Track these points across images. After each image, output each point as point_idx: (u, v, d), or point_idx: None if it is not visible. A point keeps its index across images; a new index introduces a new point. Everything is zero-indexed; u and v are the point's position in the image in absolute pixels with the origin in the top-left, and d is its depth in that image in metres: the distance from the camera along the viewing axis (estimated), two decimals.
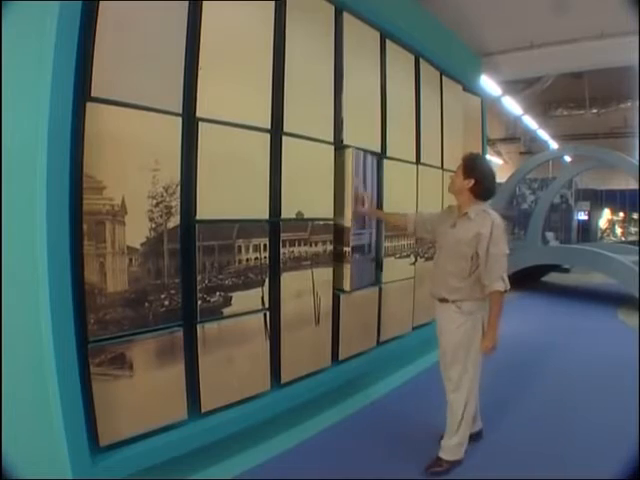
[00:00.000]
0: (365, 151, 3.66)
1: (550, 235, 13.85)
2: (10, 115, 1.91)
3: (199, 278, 2.53)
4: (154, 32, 2.27)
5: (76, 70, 1.95)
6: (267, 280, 2.89)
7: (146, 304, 2.31)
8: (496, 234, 2.79)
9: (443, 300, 2.96)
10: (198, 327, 2.54)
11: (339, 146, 3.41)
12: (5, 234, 1.92)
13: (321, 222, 3.29)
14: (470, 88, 5.69)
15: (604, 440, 3.30)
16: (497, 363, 4.88)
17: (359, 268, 3.62)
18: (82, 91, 2.01)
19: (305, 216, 3.14)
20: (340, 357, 3.52)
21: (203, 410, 2.59)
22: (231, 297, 2.69)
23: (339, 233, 3.46)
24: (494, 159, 16.73)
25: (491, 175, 2.93)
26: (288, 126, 2.99)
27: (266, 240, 2.87)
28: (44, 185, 1.87)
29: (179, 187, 2.40)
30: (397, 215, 3.62)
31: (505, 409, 3.88)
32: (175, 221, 2.40)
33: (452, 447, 2.93)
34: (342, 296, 3.48)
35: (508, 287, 2.81)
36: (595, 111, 12.58)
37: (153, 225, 2.31)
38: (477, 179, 2.85)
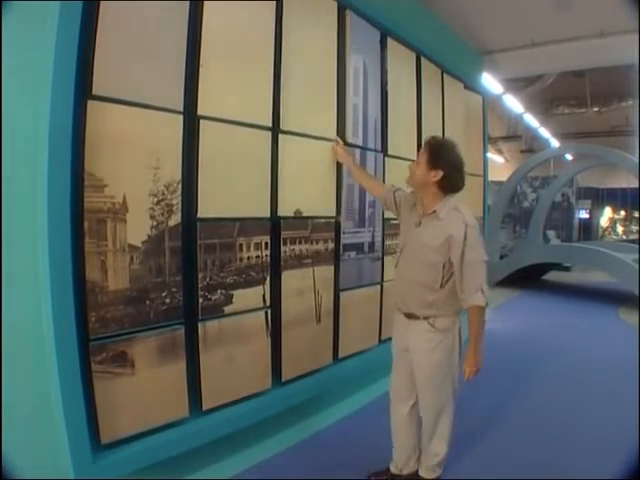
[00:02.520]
0: (366, 149, 3.66)
1: (551, 233, 13.83)
2: (11, 113, 1.90)
3: (200, 276, 2.53)
4: (155, 30, 2.27)
5: (77, 68, 1.95)
6: (268, 278, 2.89)
7: (147, 302, 2.31)
8: (471, 237, 2.35)
9: (412, 316, 2.52)
10: (199, 325, 2.54)
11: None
12: (6, 232, 1.91)
13: (322, 220, 3.29)
14: (471, 86, 5.69)
15: (604, 440, 3.30)
16: (498, 362, 4.90)
17: (355, 267, 3.63)
18: (83, 89, 2.00)
19: (304, 214, 3.14)
20: (340, 355, 3.52)
21: (204, 408, 2.59)
22: (232, 295, 2.69)
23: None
24: (495, 157, 16.71)
25: (461, 164, 2.52)
26: (289, 124, 2.99)
27: (267, 238, 2.87)
28: (45, 183, 1.87)
29: (180, 185, 2.40)
30: (370, 178, 3.33)
31: (505, 408, 3.88)
32: (176, 219, 2.40)
33: (432, 466, 2.68)
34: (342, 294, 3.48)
35: (488, 301, 2.41)
36: (596, 109, 12.59)
37: (154, 223, 2.30)
38: (446, 170, 2.41)
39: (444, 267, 2.40)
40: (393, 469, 2.78)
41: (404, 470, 2.74)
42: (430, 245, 2.41)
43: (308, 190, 3.16)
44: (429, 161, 2.43)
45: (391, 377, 2.76)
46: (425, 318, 2.47)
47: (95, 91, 2.05)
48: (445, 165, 2.42)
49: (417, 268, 2.48)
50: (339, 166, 3.41)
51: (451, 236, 2.35)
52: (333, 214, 3.39)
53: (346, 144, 3.43)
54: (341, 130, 3.43)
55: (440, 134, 4.78)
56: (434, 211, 2.44)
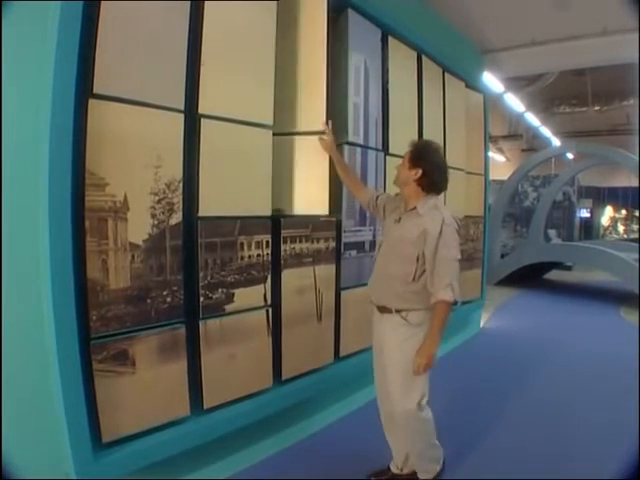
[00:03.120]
0: (366, 147, 3.66)
1: (552, 232, 13.82)
2: (12, 112, 1.90)
3: (201, 275, 2.53)
4: (156, 28, 2.27)
5: (78, 67, 1.95)
6: (269, 277, 2.89)
7: (148, 301, 2.31)
8: (447, 234, 2.40)
9: (385, 309, 2.56)
10: (200, 324, 2.54)
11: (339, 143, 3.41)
12: (7, 231, 1.91)
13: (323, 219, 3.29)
14: (472, 85, 5.69)
15: (604, 438, 3.30)
16: (499, 360, 4.91)
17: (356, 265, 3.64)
18: (84, 88, 2.01)
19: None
20: (340, 354, 3.52)
21: (206, 407, 2.59)
22: (233, 294, 2.69)
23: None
24: (496, 156, 16.71)
25: (442, 166, 2.57)
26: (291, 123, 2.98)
27: (268, 237, 2.87)
28: (46, 182, 1.88)
29: (181, 184, 2.40)
30: (355, 179, 3.18)
31: (506, 406, 3.88)
32: (177, 217, 2.40)
33: (427, 465, 2.64)
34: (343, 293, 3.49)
35: (459, 299, 2.42)
36: (598, 108, 12.56)
37: (155, 222, 2.31)
38: (425, 169, 2.48)
39: (418, 260, 2.44)
40: (393, 468, 2.78)
41: (404, 469, 2.74)
42: (406, 238, 2.47)
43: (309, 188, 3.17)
44: (410, 160, 2.53)
45: (374, 376, 2.76)
46: (397, 311, 2.50)
47: (96, 90, 2.05)
48: (425, 164, 2.49)
49: (392, 261, 2.54)
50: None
51: (427, 230, 2.40)
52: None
53: (347, 143, 3.44)
54: (343, 129, 3.42)
55: (441, 133, 4.79)
56: (414, 207, 2.51)
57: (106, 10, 2.06)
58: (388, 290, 2.54)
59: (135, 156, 2.21)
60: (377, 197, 2.89)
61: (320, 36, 3.17)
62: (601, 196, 19.96)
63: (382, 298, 2.58)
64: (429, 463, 2.63)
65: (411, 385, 2.47)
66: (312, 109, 3.18)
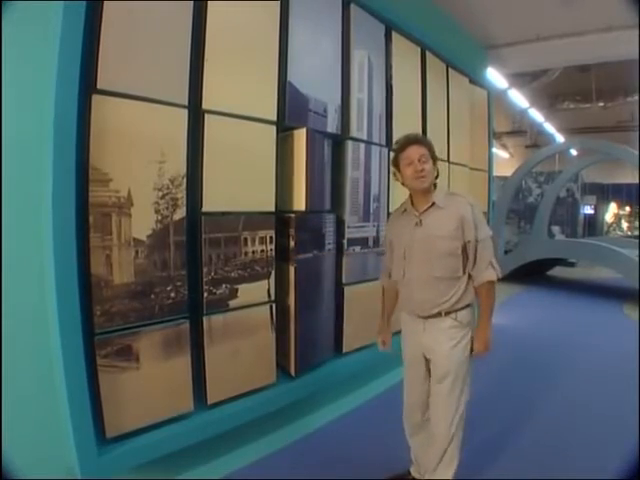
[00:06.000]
0: (370, 143, 3.66)
1: (556, 229, 13.81)
2: (16, 107, 1.91)
3: (205, 270, 2.54)
4: (160, 24, 2.26)
5: (82, 62, 1.95)
6: (273, 272, 2.89)
7: (152, 296, 2.31)
8: (478, 213, 2.34)
9: (434, 315, 2.37)
10: (204, 319, 2.55)
11: (338, 140, 3.41)
12: (11, 226, 1.92)
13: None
14: (476, 81, 5.67)
15: (607, 435, 3.30)
16: (500, 358, 4.89)
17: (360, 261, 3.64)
18: (88, 83, 2.01)
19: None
20: (344, 349, 3.53)
21: (209, 402, 2.60)
22: (237, 289, 2.69)
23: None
24: (500, 152, 16.68)
25: None
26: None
27: (272, 232, 2.87)
28: (50, 177, 1.88)
29: (185, 179, 2.40)
30: (389, 305, 2.75)
31: (507, 404, 3.88)
32: (181, 213, 2.40)
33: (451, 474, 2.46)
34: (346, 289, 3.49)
35: (499, 274, 2.37)
36: (602, 104, 12.50)
37: (159, 217, 2.31)
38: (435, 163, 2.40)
39: (463, 250, 2.33)
40: (415, 474, 2.69)
41: (426, 475, 2.56)
42: (442, 234, 2.31)
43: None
44: (432, 156, 2.39)
45: (406, 386, 2.61)
46: (447, 314, 2.36)
47: (100, 85, 2.05)
48: (435, 157, 2.42)
49: (433, 263, 2.33)
50: (342, 159, 3.42)
51: (463, 217, 2.29)
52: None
53: (351, 138, 3.45)
54: (345, 124, 3.42)
55: (445, 129, 4.78)
56: (433, 203, 2.36)
57: (109, 5, 2.06)
58: (437, 295, 2.34)
59: (139, 151, 2.21)
60: (387, 260, 2.67)
61: None
62: (605, 193, 19.87)
63: (431, 307, 2.36)
64: (455, 461, 2.48)
65: (460, 392, 2.40)
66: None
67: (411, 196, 2.46)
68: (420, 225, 2.37)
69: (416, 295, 2.40)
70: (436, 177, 2.40)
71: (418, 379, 2.52)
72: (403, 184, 2.42)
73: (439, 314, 2.36)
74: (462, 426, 2.46)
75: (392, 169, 2.47)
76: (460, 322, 2.36)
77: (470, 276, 2.38)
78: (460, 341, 2.37)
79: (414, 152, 2.33)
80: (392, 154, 2.51)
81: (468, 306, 2.40)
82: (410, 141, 2.37)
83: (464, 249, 2.33)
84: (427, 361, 2.48)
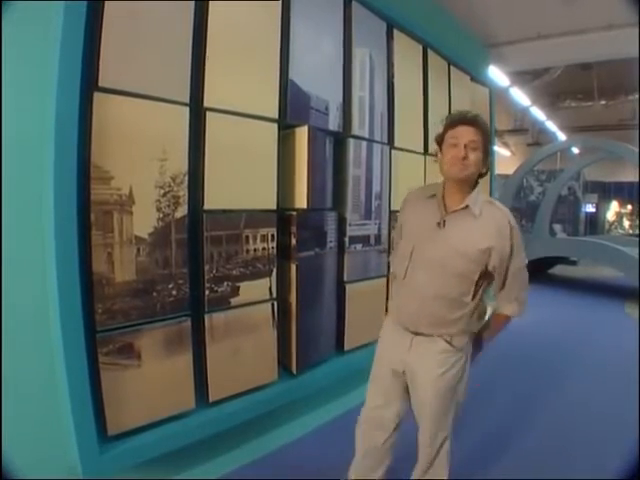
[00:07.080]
0: (372, 141, 3.65)
1: (557, 227, 13.79)
2: (17, 105, 1.91)
3: (207, 268, 2.53)
4: (161, 21, 2.26)
5: (83, 60, 1.94)
6: (274, 270, 2.89)
7: (154, 294, 2.31)
8: (517, 240, 1.94)
9: (421, 334, 2.02)
10: (206, 317, 2.55)
11: (340, 137, 3.40)
12: (13, 224, 1.92)
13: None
14: (478, 79, 5.65)
15: (607, 434, 3.30)
16: (501, 357, 4.89)
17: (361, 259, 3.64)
18: (89, 81, 2.00)
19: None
20: (345, 347, 3.53)
21: (211, 400, 2.60)
22: (239, 287, 2.69)
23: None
24: (502, 150, 16.66)
25: None
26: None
27: (273, 230, 2.87)
28: (51, 175, 1.88)
29: (186, 177, 2.40)
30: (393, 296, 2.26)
31: (507, 402, 3.88)
32: (183, 211, 2.39)
33: None
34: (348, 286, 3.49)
35: (521, 312, 2.06)
36: (603, 103, 12.49)
37: (161, 215, 2.30)
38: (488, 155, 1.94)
39: (481, 277, 1.94)
40: None
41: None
42: (465, 252, 1.89)
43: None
44: (485, 144, 1.90)
45: (370, 402, 2.30)
46: (440, 335, 1.99)
47: (101, 83, 2.04)
48: (491, 148, 1.98)
49: (441, 279, 1.94)
50: (344, 157, 3.41)
51: (497, 241, 1.90)
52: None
53: (352, 136, 3.44)
54: (347, 122, 3.41)
55: None
56: (466, 206, 1.92)
57: (111, 3, 2.05)
58: (434, 315, 1.98)
59: (140, 149, 2.20)
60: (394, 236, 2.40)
61: None
62: (607, 191, 19.85)
63: (422, 325, 2.00)
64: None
65: (446, 416, 2.07)
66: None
67: (444, 186, 2.01)
68: (442, 227, 1.94)
69: (411, 306, 2.03)
70: (483, 174, 1.98)
71: (395, 394, 2.18)
72: (440, 171, 1.99)
73: (430, 334, 2.00)
74: (445, 459, 2.15)
75: (435, 148, 2.03)
76: (455, 347, 2.00)
77: (480, 304, 2.03)
78: (450, 369, 2.00)
79: (464, 134, 1.87)
80: (440, 129, 2.02)
81: (469, 332, 2.07)
82: (464, 119, 1.90)
83: (483, 275, 1.95)
84: (405, 380, 2.14)
